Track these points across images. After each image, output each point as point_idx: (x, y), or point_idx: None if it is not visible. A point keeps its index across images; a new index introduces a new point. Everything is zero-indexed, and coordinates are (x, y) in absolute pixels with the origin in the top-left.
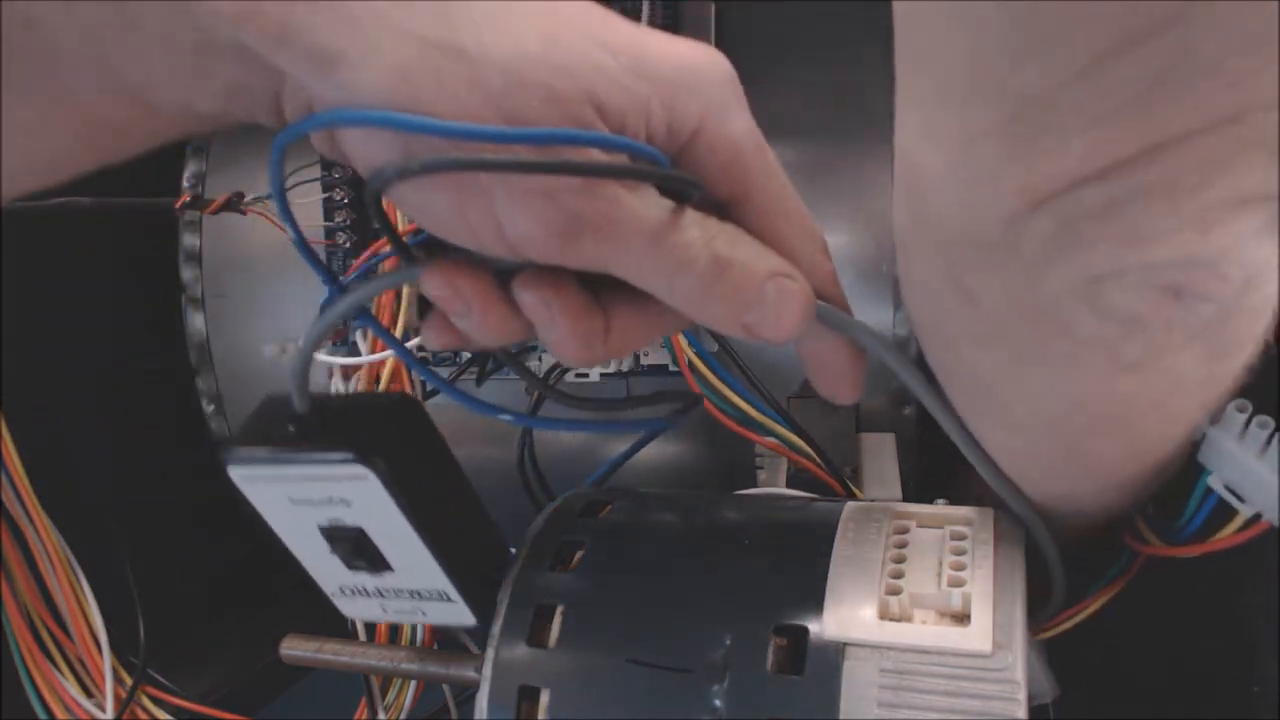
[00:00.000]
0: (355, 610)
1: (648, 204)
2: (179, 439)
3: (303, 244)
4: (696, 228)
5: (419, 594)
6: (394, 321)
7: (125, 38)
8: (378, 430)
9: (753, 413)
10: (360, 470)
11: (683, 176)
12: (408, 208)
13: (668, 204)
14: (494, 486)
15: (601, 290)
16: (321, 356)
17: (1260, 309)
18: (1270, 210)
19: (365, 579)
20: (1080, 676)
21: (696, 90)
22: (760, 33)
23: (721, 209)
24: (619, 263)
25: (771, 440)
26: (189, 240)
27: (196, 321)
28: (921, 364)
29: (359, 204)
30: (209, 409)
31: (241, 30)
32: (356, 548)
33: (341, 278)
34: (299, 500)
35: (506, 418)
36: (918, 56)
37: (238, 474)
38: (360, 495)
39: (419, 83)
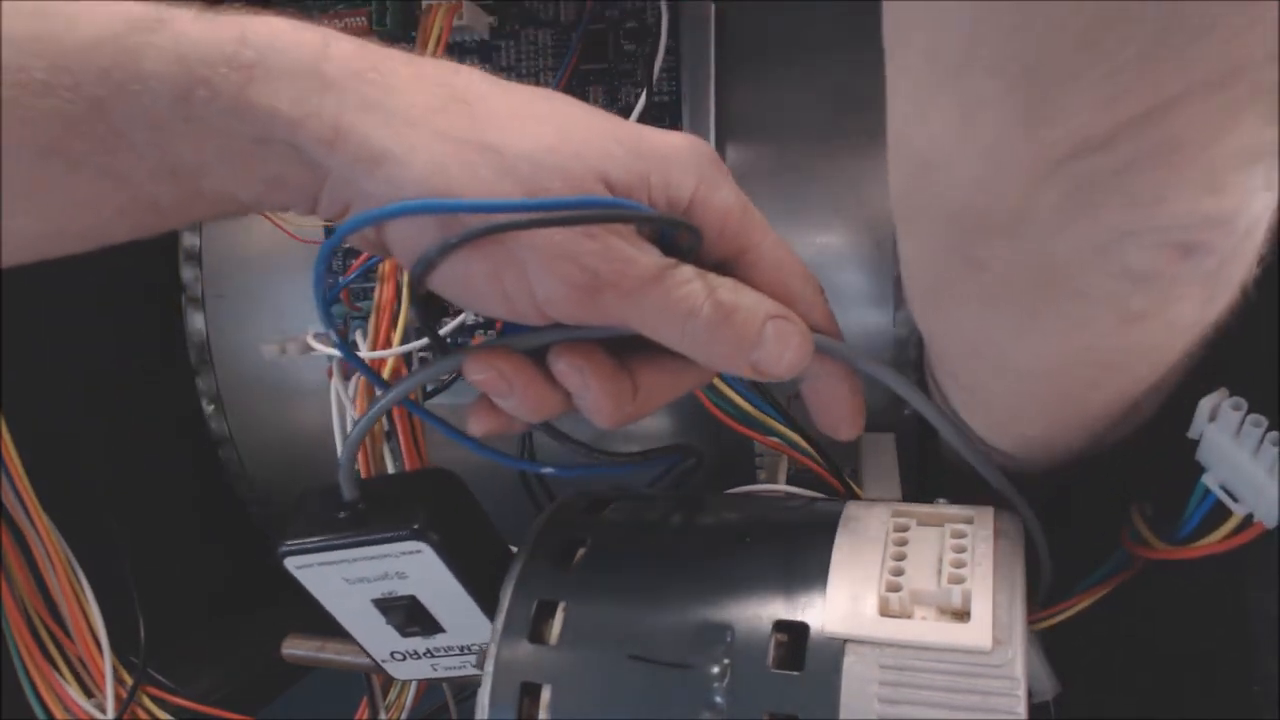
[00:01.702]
0: (406, 672)
1: (656, 261)
2: (179, 439)
3: (344, 348)
4: (699, 279)
5: (468, 649)
6: (394, 322)
7: (186, 129)
8: (425, 505)
9: (754, 411)
10: (416, 545)
11: (683, 222)
12: (448, 285)
13: (672, 261)
14: (495, 487)
15: (626, 355)
16: (323, 350)
17: (1252, 254)
18: (1273, 163)
19: (417, 643)
20: (1081, 674)
21: (688, 167)
22: (760, 33)
23: (721, 267)
24: (635, 315)
25: (772, 439)
26: (189, 240)
27: (196, 321)
28: (919, 373)
29: None
30: (209, 409)
31: (297, 131)
32: (410, 615)
33: (341, 277)
34: (354, 579)
35: (549, 470)
36: (910, 29)
37: (295, 564)
38: (415, 567)
39: (455, 174)
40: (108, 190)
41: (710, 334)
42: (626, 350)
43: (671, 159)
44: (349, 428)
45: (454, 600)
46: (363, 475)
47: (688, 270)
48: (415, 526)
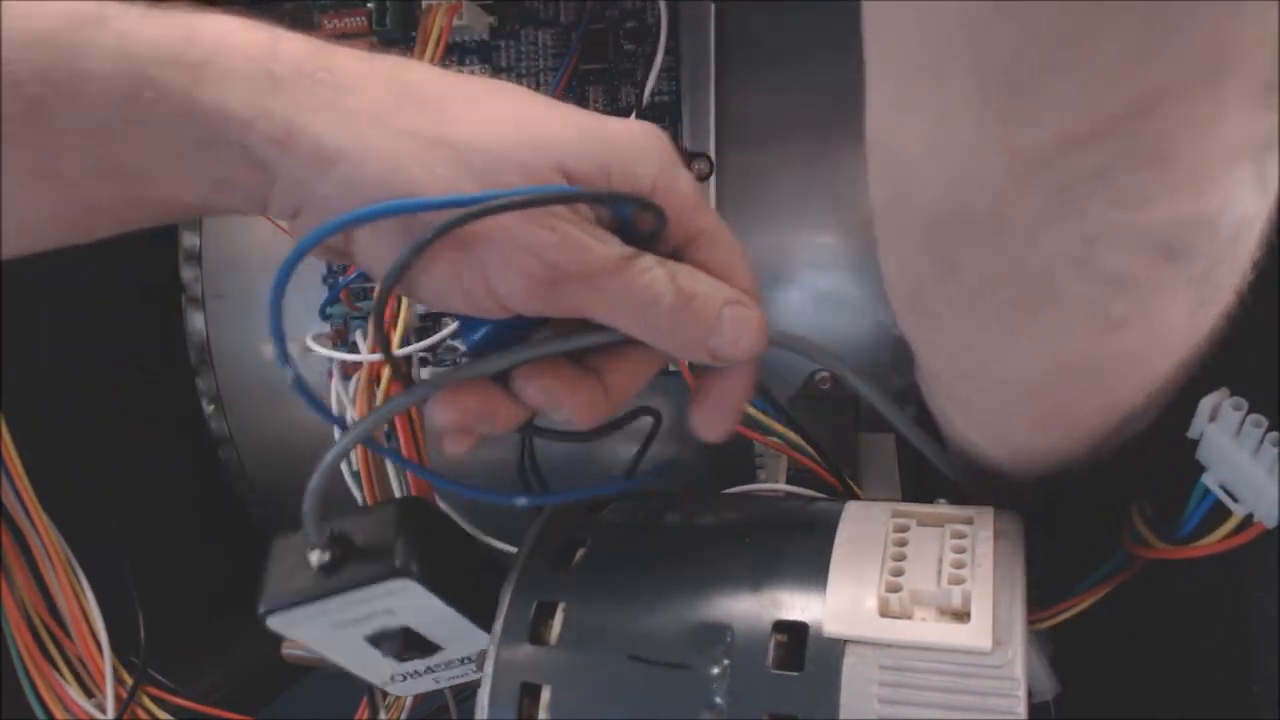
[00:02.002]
0: (410, 689)
1: (616, 250)
2: (179, 439)
3: (299, 383)
4: (660, 266)
5: (469, 659)
6: (395, 321)
7: (130, 130)
8: (400, 540)
9: (753, 412)
10: (401, 584)
11: (646, 201)
12: (411, 287)
13: (633, 250)
14: (494, 487)
15: (587, 355)
16: (323, 352)
17: (1243, 259)
18: (1261, 161)
19: (417, 664)
20: (1081, 674)
21: (648, 155)
22: (760, 33)
23: (675, 253)
24: (596, 304)
25: (773, 439)
26: (189, 240)
27: (196, 321)
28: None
29: None
30: (209, 409)
31: (247, 131)
32: (405, 643)
33: (341, 278)
34: (342, 624)
35: (522, 502)
36: (889, 28)
37: (277, 623)
38: (403, 601)
39: (412, 171)
40: (43, 191)
41: (671, 321)
42: (587, 352)
43: (631, 148)
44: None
45: (447, 621)
46: (363, 477)
47: (648, 258)
48: (396, 565)
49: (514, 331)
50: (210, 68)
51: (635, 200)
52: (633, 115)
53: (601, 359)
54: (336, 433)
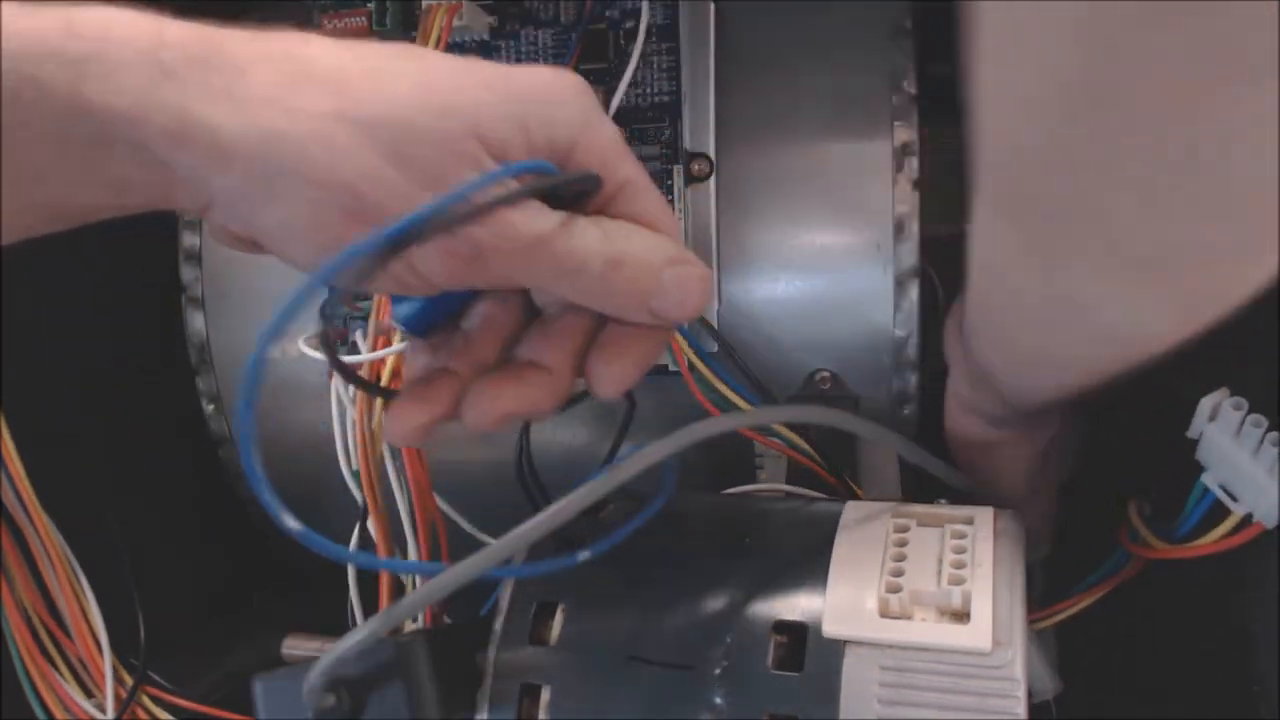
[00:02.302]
0: None
1: (535, 220)
2: (179, 439)
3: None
4: (594, 228)
5: None
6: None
7: (14, 135)
8: (415, 688)
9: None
10: None
11: (579, 175)
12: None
13: (558, 215)
14: (491, 487)
15: (516, 349)
16: (315, 355)
17: None
18: None
19: None
20: (1081, 674)
21: (566, 104)
22: (760, 33)
23: (606, 205)
24: (522, 274)
25: (773, 440)
26: (189, 240)
27: (196, 321)
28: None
29: None
30: (209, 409)
31: (140, 126)
32: None
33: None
34: None
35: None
36: None
37: None
38: None
39: (315, 154)
40: None
41: (605, 286)
42: (514, 341)
43: (548, 100)
44: (349, 428)
45: None
46: (362, 475)
47: (580, 222)
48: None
49: (446, 304)
50: (95, 62)
51: (576, 179)
52: (610, 110)
53: (533, 345)
54: (344, 421)
